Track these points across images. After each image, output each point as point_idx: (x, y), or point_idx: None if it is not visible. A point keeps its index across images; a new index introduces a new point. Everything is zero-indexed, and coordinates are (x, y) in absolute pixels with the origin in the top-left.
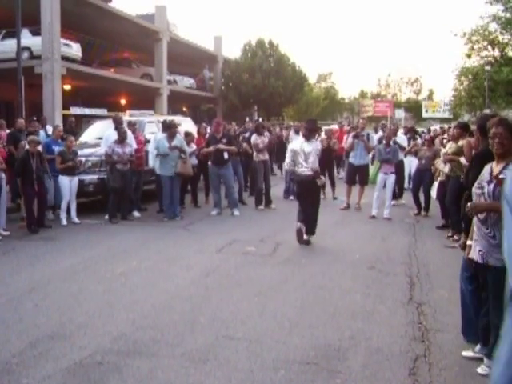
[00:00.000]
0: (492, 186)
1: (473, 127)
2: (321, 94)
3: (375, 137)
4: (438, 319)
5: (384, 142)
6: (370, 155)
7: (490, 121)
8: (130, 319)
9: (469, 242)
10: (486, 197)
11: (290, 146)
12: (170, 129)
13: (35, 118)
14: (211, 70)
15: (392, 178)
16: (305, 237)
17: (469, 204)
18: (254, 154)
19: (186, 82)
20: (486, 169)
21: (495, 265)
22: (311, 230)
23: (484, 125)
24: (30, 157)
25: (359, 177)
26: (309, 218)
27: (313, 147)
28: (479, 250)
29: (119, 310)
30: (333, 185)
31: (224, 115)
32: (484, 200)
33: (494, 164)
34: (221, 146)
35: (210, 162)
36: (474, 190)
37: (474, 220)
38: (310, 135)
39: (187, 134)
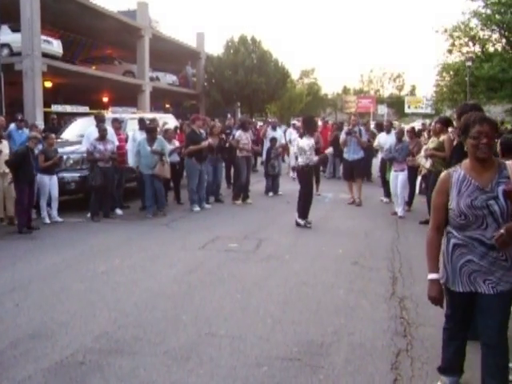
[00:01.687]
0: (503, 201)
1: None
2: (304, 90)
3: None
4: (420, 313)
5: (393, 137)
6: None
7: (468, 117)
8: (112, 318)
9: (433, 276)
10: (497, 215)
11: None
12: (150, 133)
13: (20, 118)
14: (194, 67)
15: (402, 176)
16: (299, 220)
17: (502, 231)
18: (237, 149)
19: (168, 79)
20: (460, 180)
21: (504, 289)
22: (302, 215)
23: (464, 113)
24: (29, 153)
25: (355, 171)
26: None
27: (307, 143)
28: (485, 280)
29: (101, 308)
30: (317, 181)
31: (207, 112)
32: (493, 220)
33: (467, 173)
34: (211, 142)
35: (193, 159)
36: (468, 210)
37: (460, 250)
38: (306, 134)
39: (166, 131)
